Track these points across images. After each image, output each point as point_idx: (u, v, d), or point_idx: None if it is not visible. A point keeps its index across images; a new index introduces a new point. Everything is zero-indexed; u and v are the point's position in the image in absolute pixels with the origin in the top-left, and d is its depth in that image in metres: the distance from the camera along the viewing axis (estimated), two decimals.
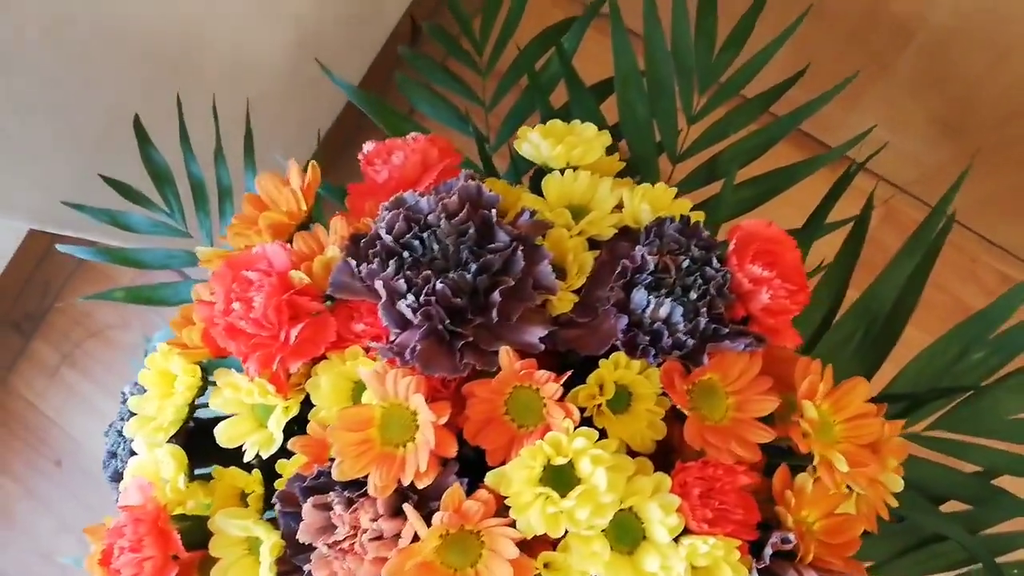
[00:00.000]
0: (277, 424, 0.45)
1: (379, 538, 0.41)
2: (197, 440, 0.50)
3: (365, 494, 0.41)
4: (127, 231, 0.74)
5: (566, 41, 0.68)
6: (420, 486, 0.40)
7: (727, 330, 0.43)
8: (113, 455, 0.53)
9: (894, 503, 0.47)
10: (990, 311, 0.56)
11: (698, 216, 0.47)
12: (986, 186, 0.88)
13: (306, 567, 0.42)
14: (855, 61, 0.79)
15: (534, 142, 0.52)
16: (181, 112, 0.74)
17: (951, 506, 0.62)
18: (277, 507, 0.43)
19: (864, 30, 0.74)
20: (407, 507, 0.40)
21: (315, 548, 0.42)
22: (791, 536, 0.41)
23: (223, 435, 0.47)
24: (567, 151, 0.51)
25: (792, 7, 0.66)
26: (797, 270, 0.46)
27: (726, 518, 0.41)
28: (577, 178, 0.50)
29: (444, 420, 0.40)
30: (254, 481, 0.47)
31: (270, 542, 0.43)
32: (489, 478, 0.40)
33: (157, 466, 0.47)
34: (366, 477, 0.41)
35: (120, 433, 0.52)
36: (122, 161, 0.76)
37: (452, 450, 0.40)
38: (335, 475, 0.41)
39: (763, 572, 0.41)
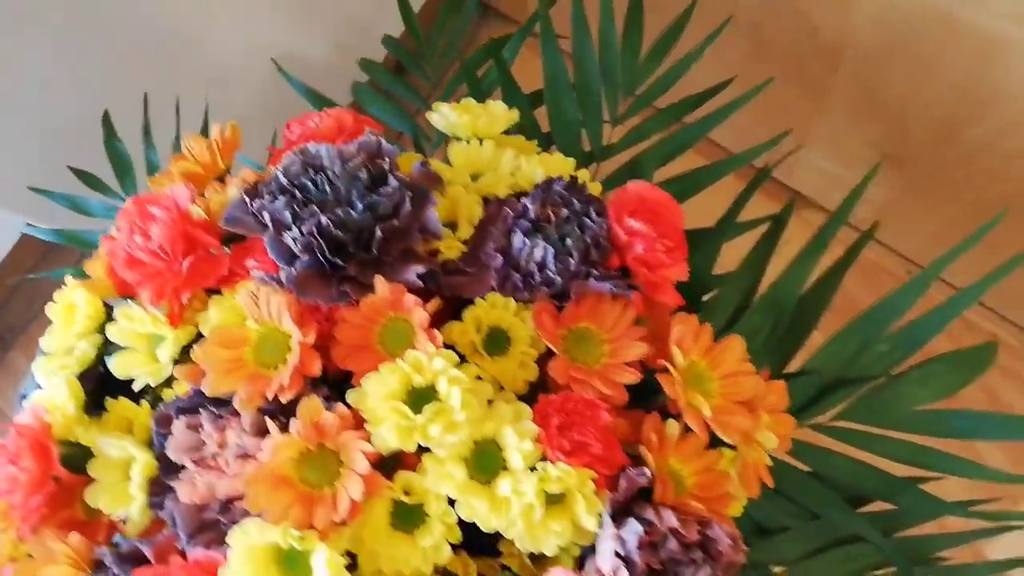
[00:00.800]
0: (167, 354, 0.47)
1: (244, 456, 0.42)
2: (104, 390, 0.52)
3: (235, 412, 0.42)
4: (86, 215, 0.78)
5: (506, 51, 0.72)
6: (283, 400, 0.41)
7: (597, 273, 0.44)
8: None
9: (768, 461, 0.47)
10: (890, 302, 0.57)
11: (584, 175, 0.49)
12: (932, 222, 0.89)
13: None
14: (794, 87, 0.82)
15: (444, 113, 0.55)
16: (147, 108, 0.78)
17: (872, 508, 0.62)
18: (153, 428, 0.44)
19: (798, 53, 0.78)
20: (269, 421, 0.41)
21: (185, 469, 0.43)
22: (647, 471, 0.41)
23: (116, 366, 0.48)
24: (473, 121, 0.54)
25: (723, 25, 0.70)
26: (676, 229, 0.48)
27: (584, 451, 0.41)
28: (482, 146, 0.53)
29: (310, 339, 0.42)
30: (143, 412, 0.48)
31: (143, 460, 0.44)
32: (350, 395, 0.42)
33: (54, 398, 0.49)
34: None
35: None
36: (85, 152, 0.80)
37: (316, 368, 0.42)
38: (205, 389, 0.42)
39: (620, 508, 0.41)
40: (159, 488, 0.45)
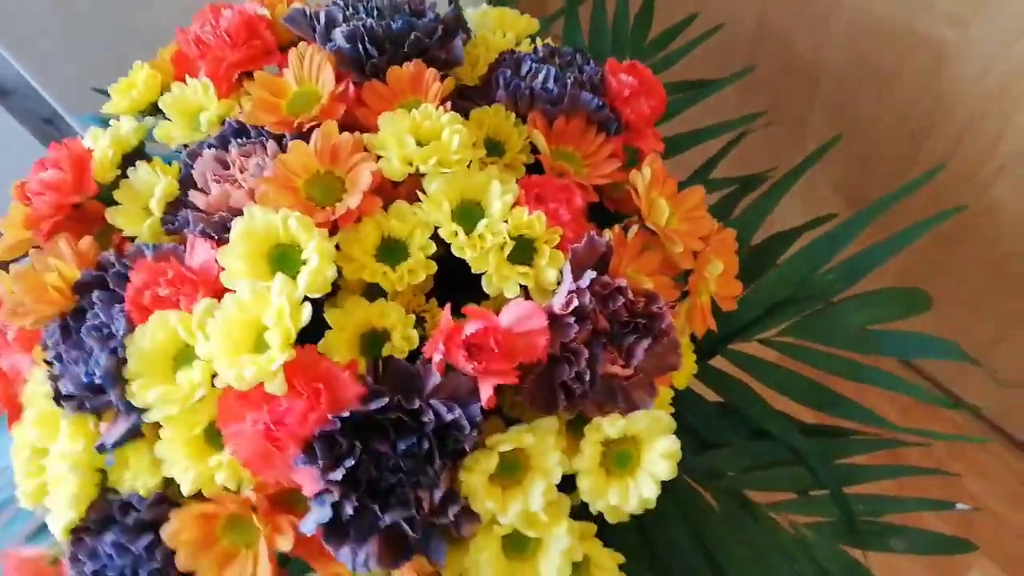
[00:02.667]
0: (207, 120, 0.54)
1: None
2: None
3: (261, 144, 0.49)
4: None
5: None
6: (305, 127, 0.48)
7: (587, 92, 0.52)
8: None
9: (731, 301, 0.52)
10: (836, 234, 0.65)
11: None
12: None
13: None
14: (780, 116, 0.93)
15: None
16: None
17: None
18: (182, 161, 0.50)
19: (776, 80, 0.89)
20: (294, 142, 0.47)
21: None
22: (607, 238, 0.47)
23: (159, 133, 0.55)
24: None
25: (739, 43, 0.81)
26: (660, 96, 0.56)
27: (556, 216, 0.47)
28: (503, 14, 0.63)
29: (340, 90, 0.49)
30: (172, 170, 0.54)
31: (166, 182, 0.50)
32: (365, 138, 0.48)
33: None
34: (264, 133, 0.49)
35: None
36: None
37: (339, 113, 0.48)
38: (245, 119, 0.49)
39: (578, 269, 0.46)
40: (174, 210, 0.50)
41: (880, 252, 0.64)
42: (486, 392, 0.42)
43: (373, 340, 0.46)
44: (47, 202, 0.49)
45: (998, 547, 1.02)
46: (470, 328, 0.42)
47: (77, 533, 0.47)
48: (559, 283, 0.46)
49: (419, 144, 0.47)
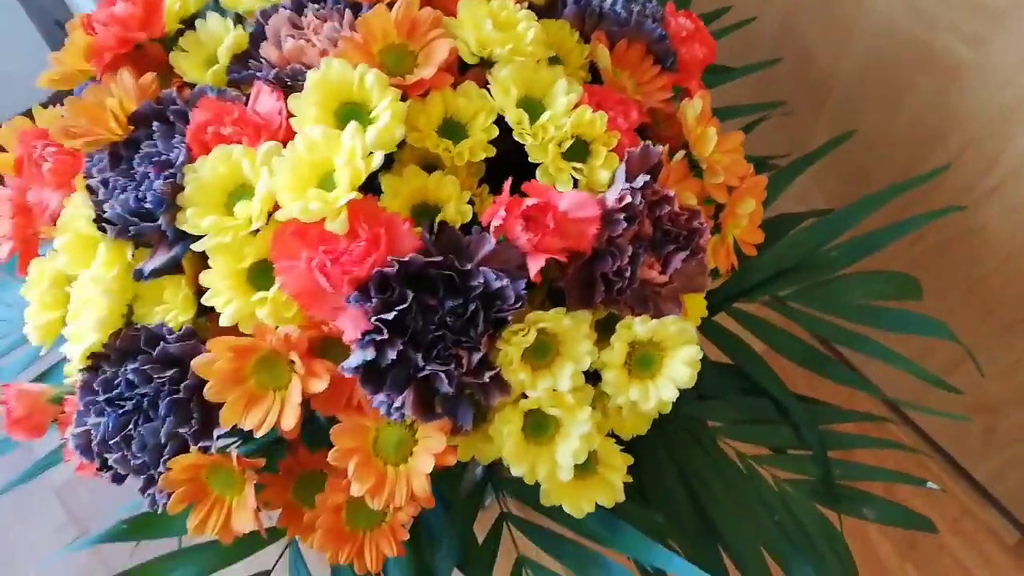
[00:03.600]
0: None
1: (335, 43, 0.48)
2: None
3: (338, 11, 0.50)
4: None
5: None
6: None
7: (649, 21, 0.55)
8: None
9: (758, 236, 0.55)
10: (842, 214, 0.68)
11: None
12: None
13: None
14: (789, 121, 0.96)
15: None
16: None
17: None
18: (256, 18, 0.51)
19: (790, 82, 0.93)
20: (378, 5, 0.48)
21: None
22: (661, 148, 0.49)
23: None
24: None
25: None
26: (710, 41, 0.59)
27: (613, 123, 0.49)
28: None
29: None
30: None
31: (235, 33, 0.50)
32: (445, 20, 0.49)
33: None
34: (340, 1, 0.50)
35: None
36: None
37: None
38: None
39: (631, 173, 0.48)
40: (240, 63, 0.50)
41: (880, 237, 0.67)
42: (536, 266, 0.43)
43: (423, 214, 0.47)
44: (113, 34, 0.49)
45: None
46: (530, 201, 0.43)
47: (96, 360, 0.47)
48: (609, 185, 0.48)
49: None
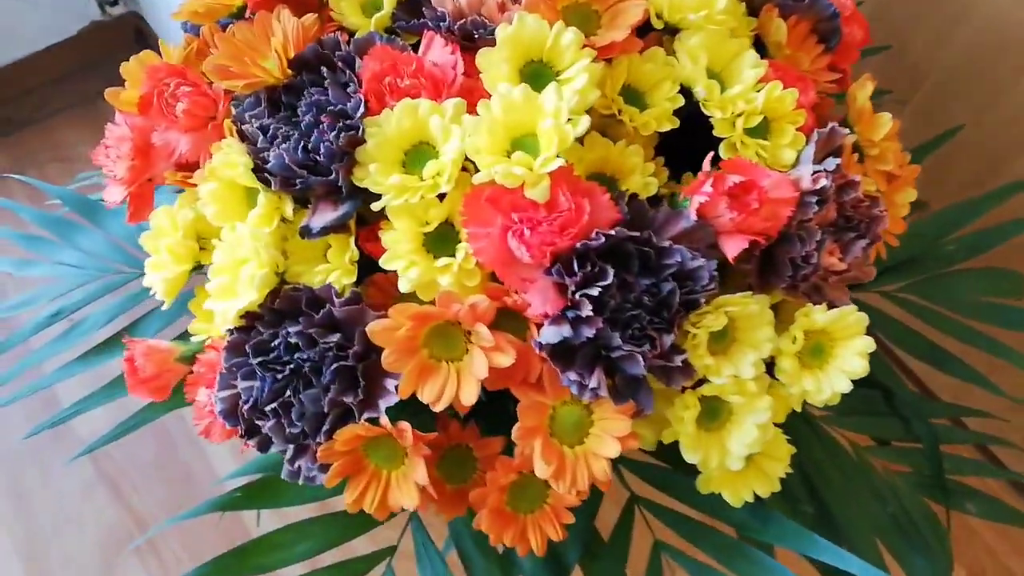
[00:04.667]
0: None
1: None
2: None
3: None
4: None
5: None
6: None
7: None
8: None
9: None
10: (962, 208, 0.67)
11: None
12: None
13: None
14: None
15: None
16: None
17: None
18: None
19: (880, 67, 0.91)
20: None
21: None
22: (847, 131, 0.47)
23: None
24: None
25: None
26: (864, 21, 0.57)
27: (798, 103, 0.47)
28: None
29: None
30: None
31: None
32: None
33: None
34: None
35: None
36: None
37: None
38: None
39: (817, 154, 0.46)
40: (407, 12, 0.47)
41: (999, 233, 0.66)
42: (736, 247, 0.41)
43: (602, 184, 0.45)
44: None
45: None
46: (735, 177, 0.41)
47: (249, 319, 0.44)
48: (792, 167, 0.46)
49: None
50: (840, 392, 0.46)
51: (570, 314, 0.39)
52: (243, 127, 0.45)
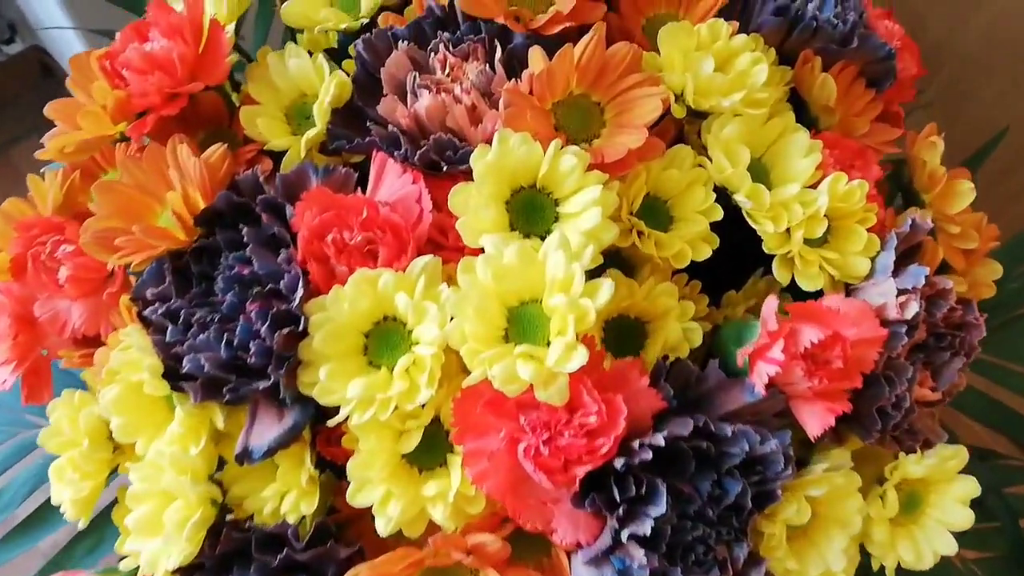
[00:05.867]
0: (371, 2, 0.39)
1: (485, 95, 0.34)
2: None
3: (480, 40, 0.35)
4: None
5: None
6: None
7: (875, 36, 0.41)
8: None
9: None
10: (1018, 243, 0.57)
11: None
12: None
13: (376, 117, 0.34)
14: None
15: None
16: None
17: None
18: (357, 51, 0.36)
19: None
20: (538, 53, 0.33)
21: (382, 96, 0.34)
22: (930, 220, 0.37)
23: (292, 10, 0.39)
24: None
25: None
26: (915, 47, 0.46)
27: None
28: None
29: None
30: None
31: (337, 77, 0.35)
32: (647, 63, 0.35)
33: None
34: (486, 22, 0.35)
35: None
36: None
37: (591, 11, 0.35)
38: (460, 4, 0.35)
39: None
40: (343, 121, 0.35)
41: None
42: (820, 422, 0.31)
43: (623, 332, 0.34)
44: (155, 85, 0.34)
45: None
46: (812, 335, 0.31)
47: (187, 572, 0.33)
48: (867, 278, 0.36)
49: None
50: (944, 554, 0.37)
51: (617, 563, 0.29)
52: (149, 314, 0.33)
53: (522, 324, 0.30)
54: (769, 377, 0.30)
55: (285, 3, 0.39)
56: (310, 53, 0.37)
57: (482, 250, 0.30)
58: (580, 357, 0.28)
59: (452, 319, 0.29)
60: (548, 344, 0.29)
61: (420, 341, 0.30)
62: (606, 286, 0.29)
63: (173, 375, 0.32)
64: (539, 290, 0.30)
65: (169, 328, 0.32)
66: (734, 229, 0.35)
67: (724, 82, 0.34)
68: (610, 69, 0.33)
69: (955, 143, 0.83)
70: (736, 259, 0.37)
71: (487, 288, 0.29)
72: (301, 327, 0.30)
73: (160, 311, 0.33)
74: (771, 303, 0.31)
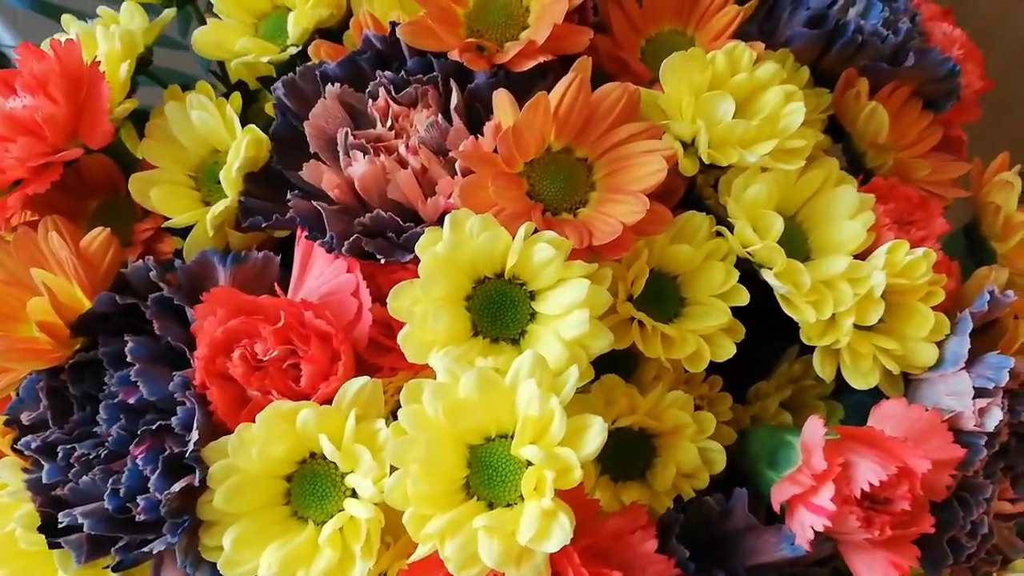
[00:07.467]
0: (301, 29, 0.31)
1: (438, 153, 0.26)
2: None
3: (432, 81, 0.27)
4: None
5: None
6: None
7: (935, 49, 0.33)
8: None
9: None
10: None
11: None
12: None
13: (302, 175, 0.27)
14: None
15: None
16: None
17: None
18: (276, 94, 0.28)
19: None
20: (506, 96, 0.25)
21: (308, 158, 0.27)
22: (1011, 292, 0.29)
23: (204, 41, 0.32)
24: None
25: None
26: (978, 54, 0.38)
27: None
28: None
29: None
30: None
31: (250, 136, 0.28)
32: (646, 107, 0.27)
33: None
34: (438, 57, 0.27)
35: None
36: None
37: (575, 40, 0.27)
38: (403, 35, 0.27)
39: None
40: (260, 190, 0.28)
41: None
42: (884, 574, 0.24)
43: (625, 446, 0.27)
44: (18, 157, 0.26)
45: None
46: (871, 474, 0.23)
47: None
48: (934, 367, 0.28)
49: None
50: None
51: None
52: (20, 444, 0.26)
53: (487, 470, 0.23)
54: (815, 531, 0.23)
55: (196, 31, 0.32)
56: (230, 93, 0.30)
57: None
58: (562, 532, 0.21)
59: (392, 471, 0.22)
60: (521, 498, 0.22)
61: (355, 489, 0.23)
62: (596, 428, 0.22)
63: (51, 528, 0.25)
64: (508, 422, 0.22)
65: (46, 466, 0.26)
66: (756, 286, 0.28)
67: (748, 130, 0.26)
68: (598, 118, 0.26)
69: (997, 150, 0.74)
70: (761, 322, 0.29)
71: (438, 429, 0.22)
72: (199, 479, 0.23)
73: (34, 444, 0.26)
74: (815, 429, 0.24)
